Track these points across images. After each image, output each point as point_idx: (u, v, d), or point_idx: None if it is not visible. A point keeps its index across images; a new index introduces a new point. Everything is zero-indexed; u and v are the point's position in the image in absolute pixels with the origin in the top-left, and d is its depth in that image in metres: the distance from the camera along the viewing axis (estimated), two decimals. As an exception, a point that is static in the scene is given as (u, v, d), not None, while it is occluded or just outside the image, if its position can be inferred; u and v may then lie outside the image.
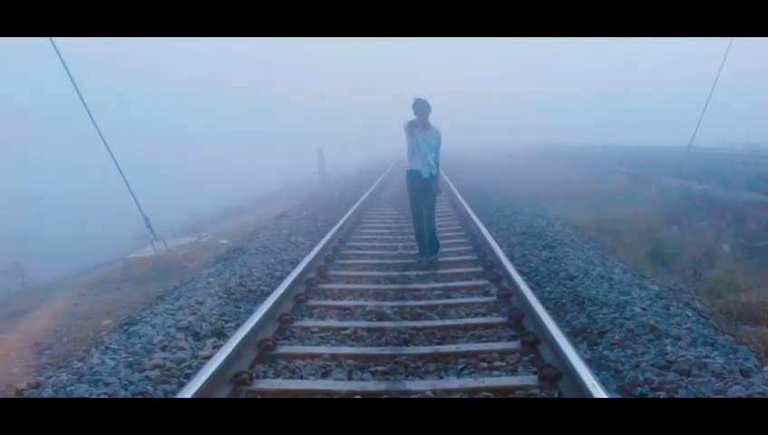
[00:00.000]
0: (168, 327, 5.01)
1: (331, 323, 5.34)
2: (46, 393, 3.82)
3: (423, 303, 5.81)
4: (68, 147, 43.40)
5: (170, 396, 3.81)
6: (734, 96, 41.46)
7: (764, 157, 19.38)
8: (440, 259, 7.46)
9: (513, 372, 4.20)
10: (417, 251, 7.84)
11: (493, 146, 43.23)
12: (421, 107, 7.17)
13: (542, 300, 5.41)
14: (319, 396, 3.87)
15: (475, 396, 3.82)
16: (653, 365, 3.92)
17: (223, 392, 3.77)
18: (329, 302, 5.97)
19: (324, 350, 4.63)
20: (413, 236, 9.32)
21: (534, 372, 4.07)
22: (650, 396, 3.59)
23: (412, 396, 3.83)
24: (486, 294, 5.99)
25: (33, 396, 3.88)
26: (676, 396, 3.53)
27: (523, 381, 3.97)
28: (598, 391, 3.19)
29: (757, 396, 3.43)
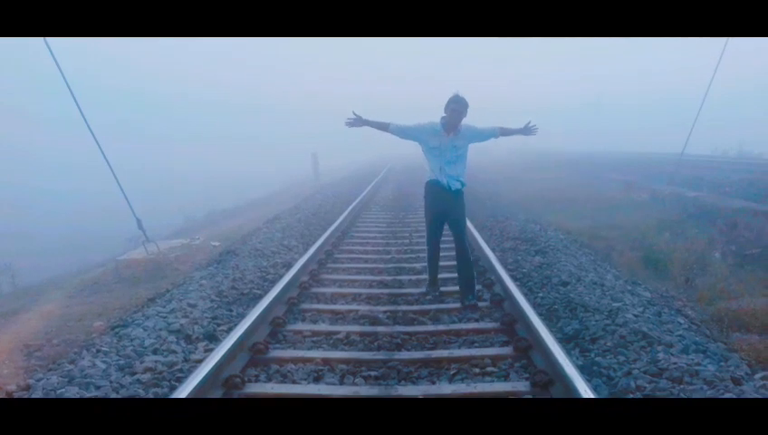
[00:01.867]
0: (160, 330, 4.98)
1: (324, 327, 5.33)
2: (36, 396, 3.79)
3: (415, 308, 5.80)
4: (65, 147, 43.22)
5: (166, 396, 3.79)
6: (729, 104, 41.77)
7: (756, 165, 19.52)
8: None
9: (506, 377, 4.20)
10: (425, 277, 6.63)
11: (484, 151, 43.26)
12: (460, 106, 5.70)
13: (535, 306, 5.41)
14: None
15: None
16: (645, 372, 3.93)
17: (214, 396, 3.75)
18: (321, 306, 5.96)
19: (316, 354, 4.62)
20: (405, 241, 9.36)
21: (526, 378, 4.07)
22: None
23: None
24: (479, 299, 5.98)
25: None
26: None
27: (515, 387, 3.97)
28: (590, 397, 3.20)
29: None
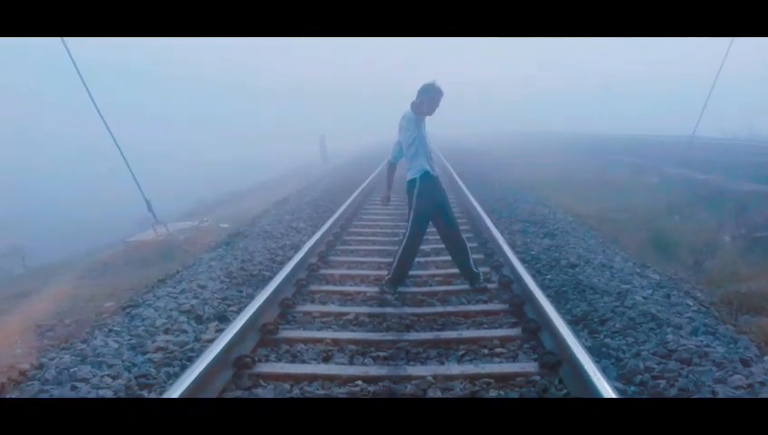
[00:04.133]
0: (171, 310, 5.02)
1: (333, 308, 5.35)
2: (49, 375, 3.83)
3: (424, 289, 5.82)
4: (71, 129, 43.28)
5: (166, 383, 3.82)
6: (737, 92, 41.51)
7: (767, 147, 19.36)
8: (441, 245, 7.02)
9: (514, 359, 4.21)
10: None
11: (499, 135, 43.16)
12: (440, 96, 5.67)
13: (544, 287, 5.41)
14: (320, 380, 3.88)
15: (475, 386, 3.81)
16: (654, 354, 3.94)
17: (226, 375, 3.79)
18: (330, 287, 5.99)
19: (326, 335, 4.65)
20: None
21: (535, 359, 4.08)
22: (651, 384, 3.61)
23: (413, 381, 3.83)
24: (487, 281, 5.98)
25: (35, 377, 3.89)
26: (675, 386, 3.54)
27: (523, 368, 3.98)
28: (599, 379, 3.20)
29: (752, 393, 3.45)
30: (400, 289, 5.76)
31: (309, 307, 5.35)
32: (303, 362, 4.23)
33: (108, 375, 3.80)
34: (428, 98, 5.60)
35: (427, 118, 5.76)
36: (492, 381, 3.81)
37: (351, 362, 4.21)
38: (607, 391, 3.05)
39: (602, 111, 59.70)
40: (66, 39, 8.96)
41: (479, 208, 8.95)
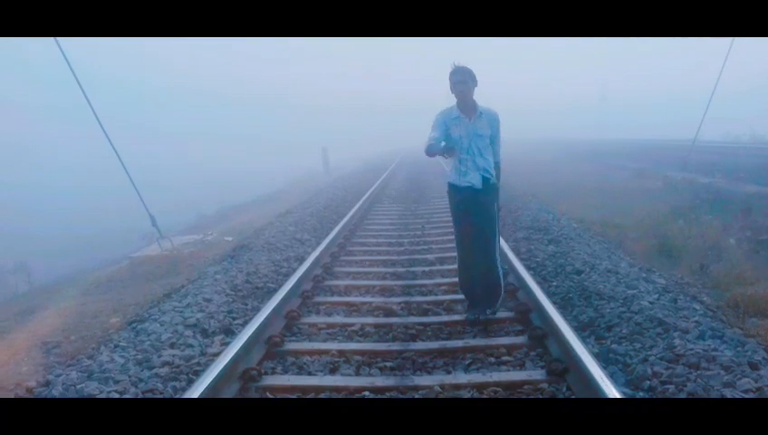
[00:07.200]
0: (176, 325, 5.02)
1: (338, 319, 5.34)
2: (56, 391, 3.83)
3: (430, 299, 5.81)
4: (71, 144, 43.38)
5: (173, 396, 3.81)
6: (735, 99, 41.66)
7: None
8: (447, 254, 7.24)
9: (521, 366, 4.19)
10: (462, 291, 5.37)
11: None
12: (463, 76, 4.77)
13: (549, 294, 5.39)
14: (327, 392, 3.87)
15: (483, 395, 3.79)
16: (661, 359, 3.92)
17: (232, 389, 3.78)
18: (335, 298, 5.98)
19: (332, 346, 4.63)
20: (417, 232, 9.37)
21: (542, 367, 4.06)
22: (659, 389, 3.59)
23: (420, 391, 3.82)
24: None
25: (42, 394, 3.89)
26: (684, 391, 3.52)
27: (530, 375, 3.97)
28: (606, 385, 3.19)
29: (761, 396, 3.43)
30: (405, 299, 5.75)
31: (314, 319, 5.34)
32: (310, 373, 4.22)
33: (115, 391, 3.79)
34: (454, 85, 4.84)
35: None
36: (499, 389, 3.80)
37: (358, 373, 4.20)
38: (615, 396, 3.04)
39: (601, 119, 60.18)
40: (67, 51, 8.98)
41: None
